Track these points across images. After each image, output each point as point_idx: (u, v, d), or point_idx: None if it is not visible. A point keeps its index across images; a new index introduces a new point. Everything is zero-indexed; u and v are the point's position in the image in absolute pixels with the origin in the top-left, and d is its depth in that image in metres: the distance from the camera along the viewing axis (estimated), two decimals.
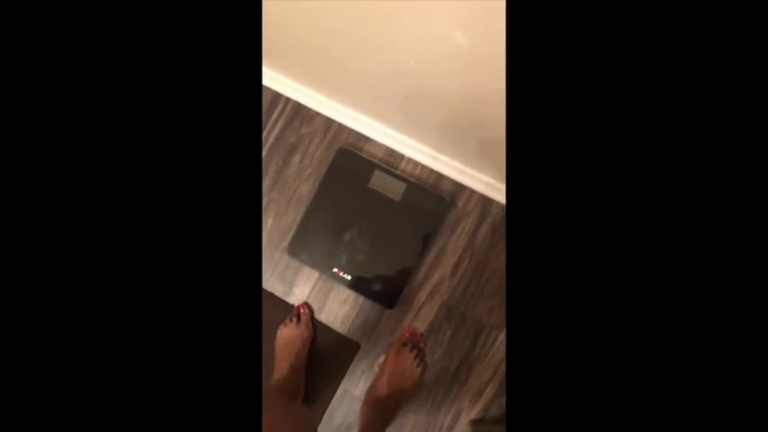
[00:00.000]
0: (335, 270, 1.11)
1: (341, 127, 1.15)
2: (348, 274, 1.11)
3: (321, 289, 1.14)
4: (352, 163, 1.12)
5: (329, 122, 1.15)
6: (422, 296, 1.11)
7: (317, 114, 1.15)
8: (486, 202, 1.10)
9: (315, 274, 1.14)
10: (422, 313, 1.11)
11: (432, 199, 1.10)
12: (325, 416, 1.12)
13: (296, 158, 1.16)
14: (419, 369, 1.02)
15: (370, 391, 1.03)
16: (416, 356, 1.02)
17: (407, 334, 1.04)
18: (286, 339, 1.07)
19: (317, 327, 1.12)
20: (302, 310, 1.10)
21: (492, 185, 1.08)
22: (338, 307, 1.13)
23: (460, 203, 1.11)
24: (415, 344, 1.03)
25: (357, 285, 1.11)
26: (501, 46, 0.57)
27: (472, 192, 1.10)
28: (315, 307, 1.14)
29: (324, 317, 1.13)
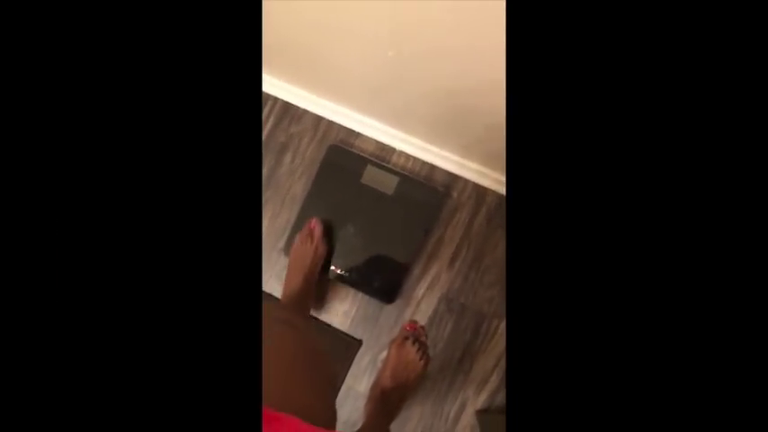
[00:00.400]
0: (333, 268, 1.11)
1: (330, 124, 1.14)
2: (346, 271, 1.11)
3: (319, 288, 1.13)
4: (343, 159, 1.12)
5: (318, 120, 1.14)
6: (421, 289, 1.11)
7: (306, 112, 1.15)
8: (480, 191, 1.09)
9: None
10: (422, 306, 1.10)
11: (425, 191, 1.09)
12: None
13: (287, 158, 1.15)
14: (422, 362, 1.02)
15: (374, 386, 1.03)
16: (419, 350, 1.02)
17: (408, 327, 1.04)
18: (300, 255, 1.08)
19: (332, 243, 1.12)
20: (313, 227, 1.10)
21: (486, 174, 1.07)
22: (338, 304, 1.13)
23: (455, 194, 1.10)
24: (417, 337, 1.03)
25: (355, 282, 1.10)
26: (473, 33, 0.57)
27: (466, 182, 1.09)
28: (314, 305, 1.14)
29: (324, 315, 1.13)
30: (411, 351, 1.02)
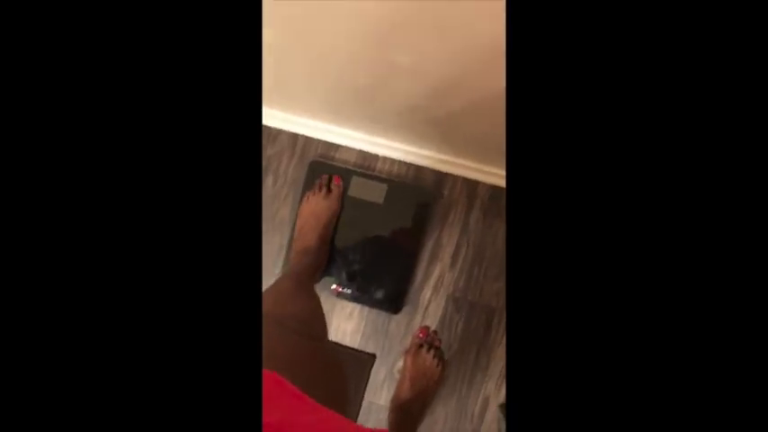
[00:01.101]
0: (334, 287, 1.08)
1: (307, 140, 1.10)
2: (347, 287, 1.08)
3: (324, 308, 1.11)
4: (327, 174, 1.08)
5: (294, 138, 1.10)
6: (426, 293, 1.09)
7: (281, 132, 1.10)
8: (471, 185, 1.07)
9: None
10: (430, 310, 1.09)
11: (416, 194, 1.07)
12: None
13: (269, 181, 1.11)
14: (439, 368, 1.01)
15: (395, 398, 1.02)
16: (434, 356, 1.00)
17: (421, 335, 1.02)
18: (313, 209, 1.03)
19: (344, 207, 1.07)
20: (337, 182, 1.05)
21: (474, 168, 1.05)
22: (345, 322, 1.11)
23: (446, 192, 1.08)
24: (430, 343, 1.02)
25: (359, 297, 1.08)
26: (439, 62, 0.54)
27: (455, 178, 1.07)
28: None
29: (333, 335, 1.11)
30: (427, 358, 1.00)
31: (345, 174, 1.07)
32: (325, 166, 1.09)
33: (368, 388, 1.10)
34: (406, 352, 1.03)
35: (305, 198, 1.06)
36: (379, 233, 1.08)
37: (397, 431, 0.95)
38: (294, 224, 1.08)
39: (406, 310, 1.09)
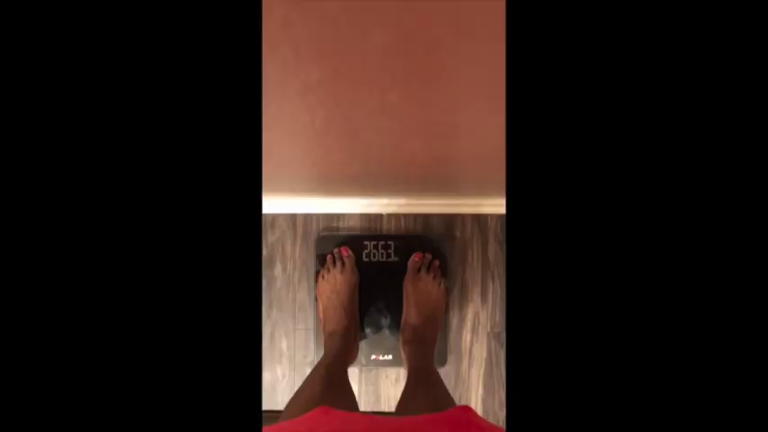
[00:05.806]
0: (374, 357, 1.04)
1: (306, 218, 1.06)
2: (387, 353, 1.05)
3: (368, 381, 1.07)
4: (336, 246, 1.04)
5: (292, 219, 1.06)
6: (467, 337, 1.07)
7: (276, 216, 1.06)
8: (480, 220, 1.06)
9: (355, 371, 1.06)
10: (474, 353, 1.07)
11: (429, 243, 1.05)
12: None
13: (278, 269, 1.06)
14: (442, 287, 0.99)
15: (404, 328, 0.98)
16: (434, 276, 0.99)
17: (416, 258, 1.00)
18: (333, 287, 0.98)
19: (361, 273, 1.03)
20: (346, 254, 1.00)
21: (479, 203, 1.05)
22: (392, 388, 1.07)
23: (458, 233, 1.06)
24: (428, 265, 1.00)
25: (401, 361, 1.05)
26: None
27: (464, 217, 1.06)
28: (370, 399, 1.07)
29: (384, 404, 1.07)
30: (426, 279, 0.98)
31: (354, 241, 1.04)
32: (331, 239, 1.05)
33: None
34: (405, 279, 1.00)
35: (320, 277, 1.02)
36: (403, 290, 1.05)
37: (415, 361, 0.91)
38: (315, 306, 1.04)
39: (450, 359, 1.06)
